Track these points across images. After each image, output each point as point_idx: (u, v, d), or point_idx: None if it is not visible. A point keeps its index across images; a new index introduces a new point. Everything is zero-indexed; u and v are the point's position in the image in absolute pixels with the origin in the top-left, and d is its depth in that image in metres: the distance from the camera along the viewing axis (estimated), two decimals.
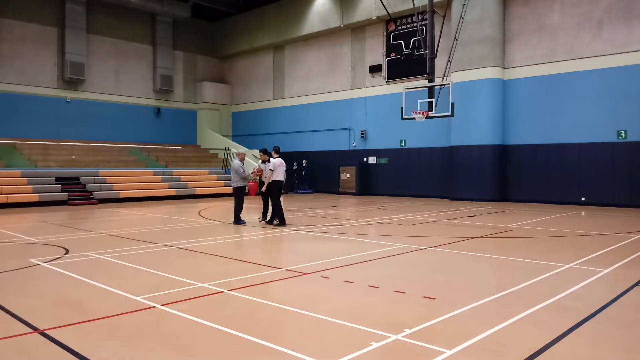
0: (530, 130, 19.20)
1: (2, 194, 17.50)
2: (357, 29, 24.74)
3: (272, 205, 12.11)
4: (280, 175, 11.98)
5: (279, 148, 12.76)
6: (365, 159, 24.35)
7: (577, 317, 4.73)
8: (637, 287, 5.95)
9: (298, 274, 6.64)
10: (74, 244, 9.16)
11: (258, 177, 13.03)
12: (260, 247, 9.77)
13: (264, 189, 12.24)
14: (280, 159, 12.20)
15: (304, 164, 26.64)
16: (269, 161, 12.27)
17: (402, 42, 22.93)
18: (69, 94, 25.08)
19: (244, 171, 12.34)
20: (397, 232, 10.97)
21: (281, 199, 12.36)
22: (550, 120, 18.70)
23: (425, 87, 16.95)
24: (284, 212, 12.38)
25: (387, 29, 23.63)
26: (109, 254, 8.11)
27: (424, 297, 5.48)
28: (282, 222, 11.96)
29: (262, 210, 12.76)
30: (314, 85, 26.71)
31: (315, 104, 26.52)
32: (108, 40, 26.47)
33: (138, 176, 22.35)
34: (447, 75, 17.34)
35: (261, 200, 12.87)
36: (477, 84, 19.68)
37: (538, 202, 18.80)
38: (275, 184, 11.95)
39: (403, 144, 23.06)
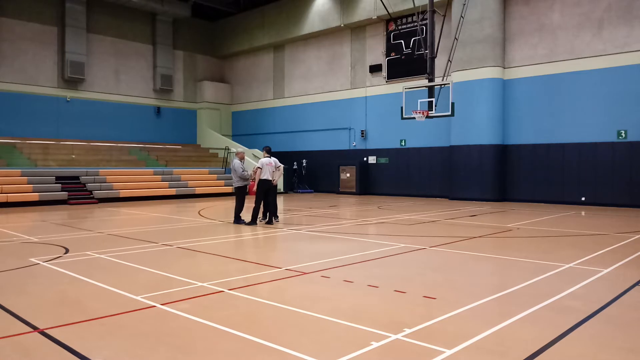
0: (530, 130, 19.20)
1: (2, 193, 17.50)
2: (357, 29, 24.73)
3: (254, 202, 12.22)
4: (266, 174, 12.02)
5: (269, 148, 12.80)
6: (365, 159, 24.35)
7: (577, 317, 4.73)
8: (637, 287, 5.95)
9: (298, 274, 6.64)
10: (73, 243, 9.16)
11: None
12: (260, 246, 9.77)
13: (254, 188, 12.28)
14: (268, 159, 12.23)
15: (304, 164, 26.65)
16: None
17: (402, 41, 22.93)
18: (69, 94, 25.08)
19: (243, 170, 12.33)
20: (397, 231, 10.97)
21: (278, 198, 12.45)
22: (550, 120, 18.70)
23: (426, 86, 16.94)
24: (278, 212, 12.78)
25: (387, 29, 23.63)
26: (109, 254, 8.11)
27: (424, 296, 5.48)
28: (253, 222, 12.05)
29: (261, 210, 12.75)
30: (314, 85, 26.71)
31: (316, 104, 26.52)
32: (108, 40, 26.47)
33: (138, 175, 22.36)
34: (447, 75, 17.34)
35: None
36: (477, 84, 19.68)
37: (538, 202, 18.81)
38: (259, 183, 12.02)
39: (403, 143, 23.06)
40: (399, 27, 22.92)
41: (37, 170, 19.66)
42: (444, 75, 17.30)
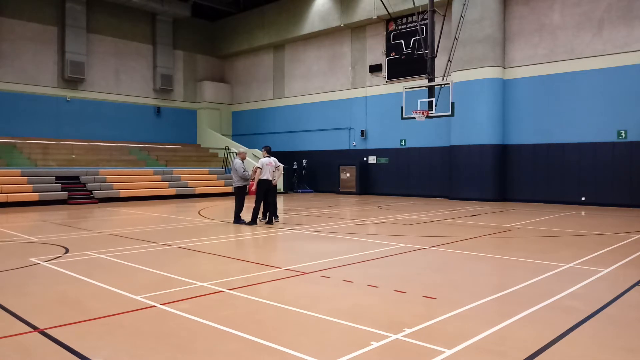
0: (530, 130, 19.20)
1: (2, 193, 17.49)
2: (358, 29, 24.73)
3: (254, 202, 12.22)
4: (265, 174, 12.02)
5: (269, 148, 12.79)
6: (365, 159, 24.35)
7: (577, 317, 4.73)
8: (637, 287, 5.95)
9: (298, 274, 6.64)
10: (74, 243, 9.16)
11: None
12: (260, 246, 9.77)
13: (253, 188, 12.28)
14: (268, 159, 12.23)
15: (304, 164, 26.65)
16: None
17: (402, 41, 22.92)
18: (69, 93, 25.08)
19: (244, 170, 12.32)
20: (397, 231, 10.97)
21: (278, 198, 12.45)
22: (550, 120, 18.70)
23: (426, 86, 16.94)
24: (278, 212, 12.94)
25: (387, 29, 23.63)
26: (109, 253, 8.11)
27: (424, 296, 5.48)
28: (253, 222, 12.05)
29: (261, 210, 12.75)
30: (314, 85, 26.71)
31: (316, 104, 26.52)
32: (108, 40, 26.47)
33: (138, 175, 22.36)
34: (447, 75, 17.34)
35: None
36: (478, 84, 19.68)
37: (538, 202, 18.81)
38: (259, 183, 12.02)
39: (403, 143, 23.06)
40: (399, 27, 22.92)
41: (37, 170, 19.66)
42: (444, 75, 17.30)
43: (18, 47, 23.51)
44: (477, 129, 19.73)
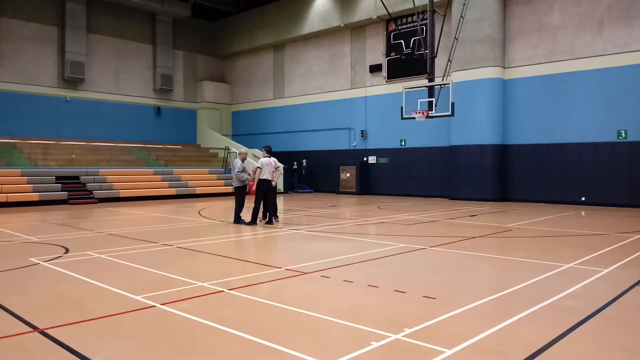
0: (530, 130, 19.20)
1: (2, 193, 17.49)
2: (358, 29, 24.73)
3: (254, 202, 12.22)
4: (265, 174, 12.02)
5: (270, 148, 12.79)
6: (365, 159, 24.35)
7: (577, 317, 4.73)
8: (637, 287, 5.95)
9: (298, 274, 6.64)
10: (74, 243, 9.16)
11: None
12: (260, 246, 9.77)
13: (253, 188, 12.27)
14: (268, 159, 12.23)
15: (304, 164, 26.65)
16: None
17: (402, 41, 22.93)
18: (69, 93, 25.08)
19: (239, 171, 12.28)
20: (397, 231, 10.97)
21: (277, 198, 12.44)
22: (550, 120, 18.70)
23: (426, 86, 16.94)
24: (278, 212, 13.01)
25: (387, 29, 23.63)
26: (109, 253, 8.11)
27: (424, 296, 5.48)
28: (253, 222, 12.06)
29: (261, 210, 12.75)
30: (314, 85, 26.71)
31: (316, 104, 26.52)
32: (108, 40, 26.47)
33: (138, 175, 22.37)
34: (448, 75, 17.34)
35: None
36: (478, 84, 19.68)
37: (538, 202, 18.81)
38: (259, 183, 12.02)
39: (403, 143, 23.06)
40: (399, 27, 22.92)
41: (37, 170, 19.66)
42: (444, 75, 17.30)
43: (18, 47, 23.50)
44: (477, 129, 19.73)
